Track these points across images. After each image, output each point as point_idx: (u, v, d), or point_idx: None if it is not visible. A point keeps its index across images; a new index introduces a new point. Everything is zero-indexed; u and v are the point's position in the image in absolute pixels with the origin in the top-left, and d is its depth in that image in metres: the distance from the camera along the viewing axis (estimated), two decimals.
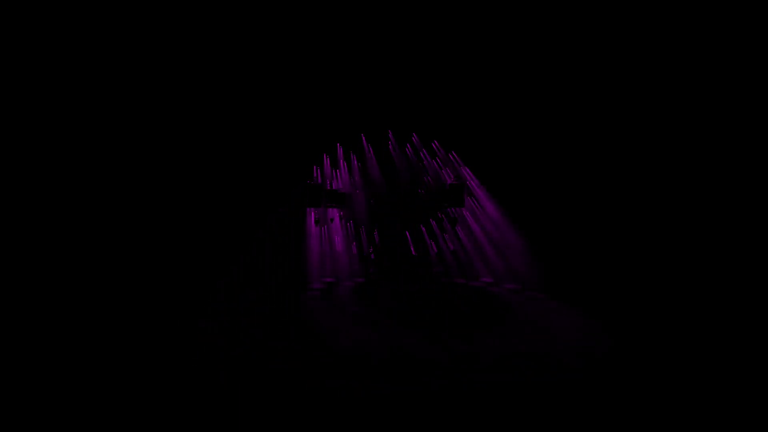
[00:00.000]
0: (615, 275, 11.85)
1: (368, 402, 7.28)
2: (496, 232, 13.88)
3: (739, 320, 9.82)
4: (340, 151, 14.33)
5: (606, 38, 12.24)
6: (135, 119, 12.49)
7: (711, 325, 9.80)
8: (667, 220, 12.07)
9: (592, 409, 7.08)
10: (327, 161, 14.23)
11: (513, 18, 12.61)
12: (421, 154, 14.36)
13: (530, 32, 12.55)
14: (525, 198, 13.35)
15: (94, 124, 12.11)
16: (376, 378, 8.03)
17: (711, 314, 10.20)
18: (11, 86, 11.38)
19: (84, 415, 6.81)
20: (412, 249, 14.03)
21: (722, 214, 11.64)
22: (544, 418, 6.90)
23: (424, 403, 7.33)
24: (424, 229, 14.24)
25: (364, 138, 14.46)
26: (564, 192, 13.04)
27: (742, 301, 10.35)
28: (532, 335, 10.16)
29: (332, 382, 7.84)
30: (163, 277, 11.72)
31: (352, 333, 10.20)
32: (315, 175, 14.02)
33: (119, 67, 12.32)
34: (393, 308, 11.85)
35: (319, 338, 9.95)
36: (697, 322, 10.00)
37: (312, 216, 14.20)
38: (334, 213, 14.40)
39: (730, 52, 11.80)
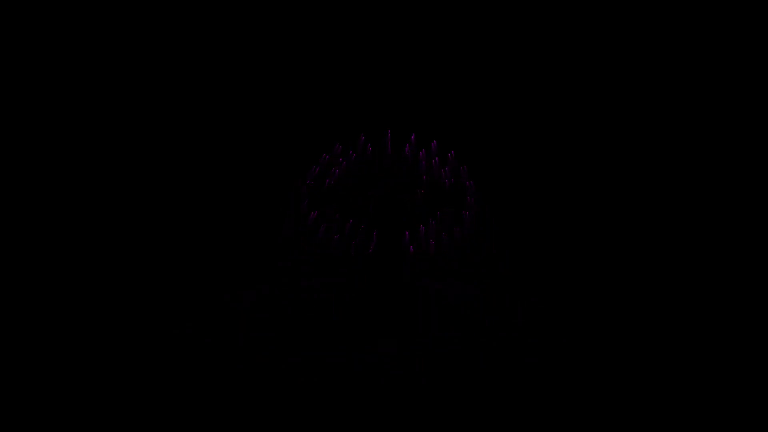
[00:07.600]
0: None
1: None
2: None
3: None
4: (339, 150, 14.34)
5: (601, 41, 12.26)
6: (134, 119, 12.53)
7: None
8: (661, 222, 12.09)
9: None
10: (326, 160, 14.25)
11: (513, 18, 12.63)
12: (421, 154, 14.38)
13: (528, 34, 12.57)
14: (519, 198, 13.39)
15: (93, 125, 12.16)
16: None
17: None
18: (11, 86, 11.44)
19: (81, 415, 6.87)
20: (411, 248, 14.05)
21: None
22: None
23: None
24: (423, 228, 14.26)
25: (363, 137, 14.49)
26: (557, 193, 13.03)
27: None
28: None
29: None
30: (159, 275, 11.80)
31: None
32: (314, 174, 14.04)
33: (118, 66, 12.38)
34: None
35: None
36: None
37: (311, 215, 14.23)
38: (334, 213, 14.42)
39: (729, 52, 11.79)
